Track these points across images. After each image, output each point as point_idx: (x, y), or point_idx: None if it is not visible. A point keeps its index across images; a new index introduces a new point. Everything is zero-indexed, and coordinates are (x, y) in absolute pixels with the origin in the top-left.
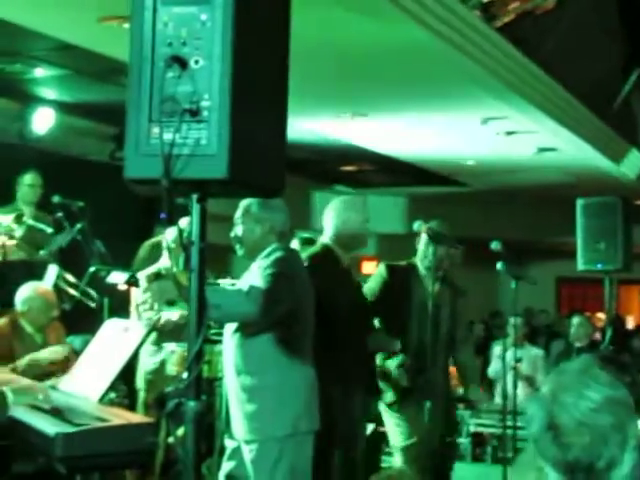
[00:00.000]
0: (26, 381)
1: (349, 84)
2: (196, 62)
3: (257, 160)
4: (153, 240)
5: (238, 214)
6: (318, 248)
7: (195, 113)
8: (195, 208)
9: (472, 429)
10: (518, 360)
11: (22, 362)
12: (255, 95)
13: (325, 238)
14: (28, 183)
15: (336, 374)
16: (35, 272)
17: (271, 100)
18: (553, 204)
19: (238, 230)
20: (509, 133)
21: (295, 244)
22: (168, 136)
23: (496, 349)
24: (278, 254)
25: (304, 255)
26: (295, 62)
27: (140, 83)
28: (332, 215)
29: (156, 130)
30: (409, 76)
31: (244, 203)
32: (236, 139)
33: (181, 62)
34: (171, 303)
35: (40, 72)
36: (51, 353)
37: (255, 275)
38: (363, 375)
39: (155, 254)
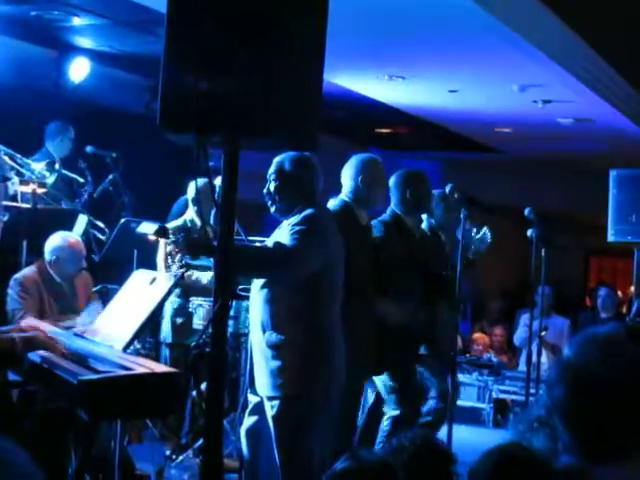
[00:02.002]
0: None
1: (387, 46)
2: (234, 12)
3: (291, 113)
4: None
5: (271, 170)
6: (337, 205)
7: (231, 64)
8: (227, 160)
9: (495, 395)
10: (544, 329)
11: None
12: (292, 48)
13: (343, 195)
14: (69, 136)
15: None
16: (65, 221)
17: (308, 54)
18: (587, 175)
19: (271, 186)
20: (546, 101)
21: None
22: (203, 86)
23: (523, 317)
24: (309, 211)
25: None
26: (334, 22)
27: (177, 34)
28: (350, 172)
29: (191, 79)
30: (447, 40)
31: (277, 159)
32: (270, 90)
33: (219, 12)
34: (195, 257)
35: (77, 21)
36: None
37: (285, 232)
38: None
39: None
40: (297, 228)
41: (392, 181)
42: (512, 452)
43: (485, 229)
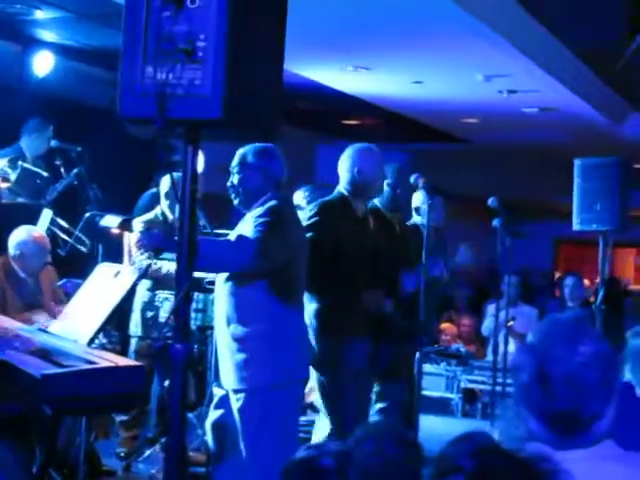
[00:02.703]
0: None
1: (351, 37)
2: (192, 2)
3: (252, 102)
4: (153, 189)
5: (234, 162)
6: (333, 197)
7: (190, 53)
8: (188, 150)
9: (463, 385)
10: (512, 319)
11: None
12: (251, 37)
13: (340, 187)
14: (41, 133)
15: (346, 322)
16: (29, 216)
17: (268, 42)
18: (553, 164)
19: (234, 179)
20: (511, 91)
21: (299, 196)
22: (162, 76)
23: (490, 307)
24: (272, 203)
25: (319, 203)
26: (297, 11)
27: (135, 22)
28: (346, 164)
29: (150, 70)
30: (411, 30)
31: (240, 152)
32: (230, 80)
33: (177, 1)
34: (158, 251)
35: (40, 14)
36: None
37: (249, 224)
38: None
39: (155, 202)
40: (260, 220)
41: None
42: (480, 440)
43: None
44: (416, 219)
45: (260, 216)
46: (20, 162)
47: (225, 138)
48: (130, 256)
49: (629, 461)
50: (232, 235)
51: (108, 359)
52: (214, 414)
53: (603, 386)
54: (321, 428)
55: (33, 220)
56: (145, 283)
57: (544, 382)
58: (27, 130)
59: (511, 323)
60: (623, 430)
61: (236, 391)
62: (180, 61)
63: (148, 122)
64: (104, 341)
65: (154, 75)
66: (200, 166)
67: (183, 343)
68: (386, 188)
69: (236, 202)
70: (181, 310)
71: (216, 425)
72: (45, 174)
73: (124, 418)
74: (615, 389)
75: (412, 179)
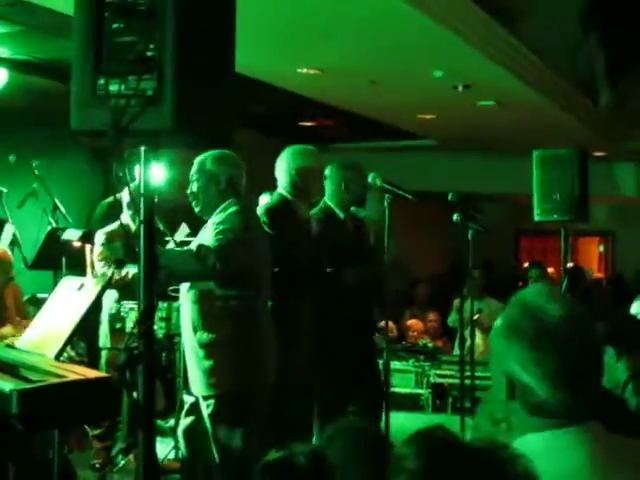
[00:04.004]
0: None
1: (304, 39)
2: (142, 12)
3: (205, 110)
4: (109, 199)
5: (193, 170)
6: (274, 200)
7: (141, 64)
8: (144, 161)
9: (432, 380)
10: (478, 312)
11: None
12: (202, 44)
13: (280, 189)
14: None
15: (295, 327)
16: None
17: (219, 50)
18: (511, 156)
19: (194, 186)
20: (466, 86)
21: (265, 199)
22: (114, 87)
23: (456, 301)
24: (232, 209)
25: (263, 207)
26: (249, 15)
27: (86, 34)
28: (284, 165)
29: (102, 82)
30: (363, 30)
31: (198, 159)
32: (183, 89)
33: (127, 12)
34: (120, 263)
35: None
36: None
37: (210, 232)
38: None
39: (112, 213)
40: (221, 227)
41: (328, 173)
42: (436, 435)
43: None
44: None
45: (220, 223)
46: None
47: (180, 146)
48: (93, 269)
49: None
50: (194, 244)
51: (77, 372)
52: (185, 421)
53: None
54: None
55: None
56: (111, 295)
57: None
58: None
59: (477, 316)
60: None
61: (205, 397)
62: (132, 72)
63: (101, 134)
64: (72, 354)
65: (106, 87)
66: (161, 178)
67: (148, 352)
68: (342, 188)
69: (197, 209)
70: (145, 320)
71: (188, 432)
72: (4, 190)
73: (97, 430)
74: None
75: (370, 178)
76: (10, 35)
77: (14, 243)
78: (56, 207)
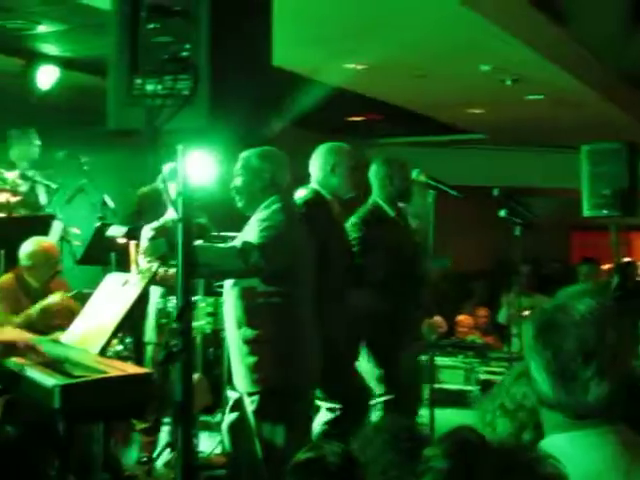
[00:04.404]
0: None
1: (350, 35)
2: (177, 12)
3: (240, 108)
4: (143, 190)
5: (237, 166)
6: (308, 195)
7: (177, 63)
8: (181, 158)
9: (481, 377)
10: (526, 308)
11: (34, 309)
12: (238, 43)
13: (314, 184)
14: (27, 140)
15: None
16: (40, 227)
17: (255, 48)
18: (560, 150)
19: (237, 182)
20: (515, 80)
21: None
22: (150, 87)
23: (505, 298)
24: (275, 206)
25: (298, 201)
26: (295, 11)
27: (122, 34)
28: (318, 162)
29: (139, 81)
30: (410, 25)
31: (243, 155)
32: (217, 88)
33: (163, 12)
34: (164, 260)
35: (42, 28)
36: (56, 297)
37: (253, 229)
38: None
39: (145, 204)
40: (265, 224)
41: (373, 170)
42: (464, 435)
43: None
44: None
45: (264, 220)
46: (31, 173)
47: (217, 145)
48: (138, 265)
49: None
50: (237, 240)
51: (118, 368)
52: (230, 417)
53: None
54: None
55: (44, 231)
56: (158, 290)
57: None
58: (11, 142)
59: (526, 313)
60: None
61: (249, 394)
62: (168, 72)
63: (138, 133)
64: (119, 348)
65: (143, 86)
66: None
67: (186, 349)
68: (387, 182)
69: (240, 205)
70: (182, 317)
71: (232, 427)
72: (54, 186)
73: (143, 424)
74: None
75: (414, 174)
76: (59, 33)
77: (63, 239)
78: (105, 203)
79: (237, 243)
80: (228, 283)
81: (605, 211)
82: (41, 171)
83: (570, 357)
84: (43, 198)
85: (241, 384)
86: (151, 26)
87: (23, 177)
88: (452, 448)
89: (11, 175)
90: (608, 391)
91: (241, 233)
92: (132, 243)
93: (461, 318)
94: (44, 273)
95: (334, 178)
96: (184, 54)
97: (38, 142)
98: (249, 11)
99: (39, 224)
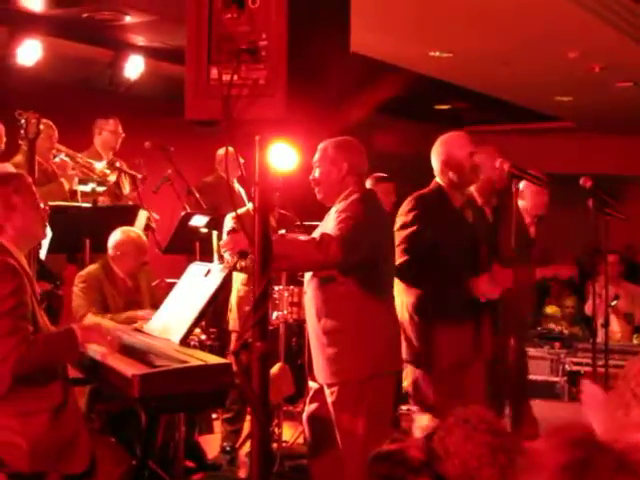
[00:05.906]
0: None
1: (436, 23)
2: (253, 2)
3: (317, 98)
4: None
5: (316, 156)
6: (429, 189)
7: (253, 53)
8: (257, 150)
9: (568, 368)
10: (615, 298)
11: (121, 316)
12: (314, 32)
13: (436, 177)
14: (111, 129)
15: (446, 316)
16: (126, 217)
17: (332, 37)
18: None
19: (316, 173)
20: (604, 68)
21: (369, 184)
22: (227, 77)
23: (591, 288)
24: (354, 197)
25: (416, 195)
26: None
27: (198, 25)
28: (435, 155)
29: (215, 71)
30: (495, 13)
31: (321, 145)
32: (294, 78)
33: (238, 2)
34: (244, 254)
35: (129, 19)
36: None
37: (331, 220)
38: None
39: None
40: (344, 215)
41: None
42: (577, 432)
43: None
44: None
45: (343, 211)
46: (118, 164)
47: (293, 135)
48: (220, 255)
49: None
50: (317, 232)
51: (199, 358)
52: (310, 407)
53: None
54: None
55: (130, 221)
56: (240, 277)
57: None
58: (97, 130)
59: (614, 302)
60: None
61: (329, 385)
62: (244, 61)
63: (214, 124)
64: (203, 337)
65: (219, 76)
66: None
67: (262, 341)
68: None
69: (319, 196)
70: (259, 307)
71: (312, 418)
72: (140, 176)
73: (227, 414)
74: None
75: (497, 163)
76: (146, 24)
77: (148, 228)
78: (190, 192)
79: (316, 235)
80: (308, 274)
81: None
82: (126, 161)
83: None
84: (128, 188)
85: (320, 375)
86: (227, 16)
87: (111, 167)
88: (567, 443)
89: (99, 165)
90: None
91: (321, 224)
92: (214, 233)
93: (548, 308)
94: (131, 263)
95: (450, 170)
96: (260, 44)
97: (122, 132)
98: (327, 2)
99: (125, 214)
